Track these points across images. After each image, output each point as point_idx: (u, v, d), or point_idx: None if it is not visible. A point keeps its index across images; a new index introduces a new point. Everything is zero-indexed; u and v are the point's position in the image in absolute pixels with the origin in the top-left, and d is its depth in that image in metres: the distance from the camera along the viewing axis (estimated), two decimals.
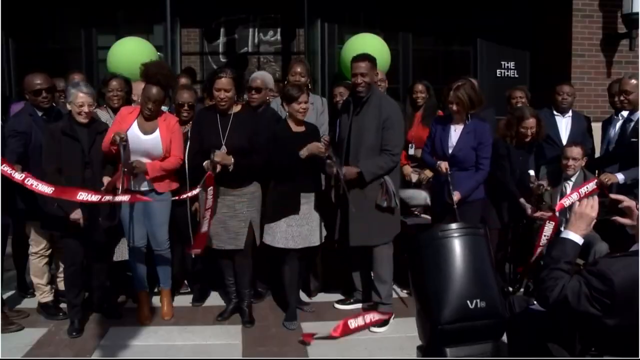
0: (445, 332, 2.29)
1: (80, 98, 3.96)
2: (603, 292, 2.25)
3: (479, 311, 2.31)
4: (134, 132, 4.11)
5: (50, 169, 3.94)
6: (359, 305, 4.58)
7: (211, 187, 4.00)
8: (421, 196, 4.87)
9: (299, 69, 4.77)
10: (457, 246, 2.39)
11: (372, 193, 4.17)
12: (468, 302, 2.32)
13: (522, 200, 4.50)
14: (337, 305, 4.61)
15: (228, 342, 4.02)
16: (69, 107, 4.02)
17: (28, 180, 3.79)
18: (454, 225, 2.54)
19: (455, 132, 4.31)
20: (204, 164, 3.99)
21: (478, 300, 2.32)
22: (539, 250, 4.40)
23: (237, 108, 4.20)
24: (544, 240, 4.36)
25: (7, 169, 3.78)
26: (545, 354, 2.59)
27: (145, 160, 4.12)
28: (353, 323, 3.69)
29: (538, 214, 4.41)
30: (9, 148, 4.14)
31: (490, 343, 2.37)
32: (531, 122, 4.51)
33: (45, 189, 3.78)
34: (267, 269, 4.74)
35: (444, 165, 4.18)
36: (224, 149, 4.06)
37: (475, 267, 2.38)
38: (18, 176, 3.79)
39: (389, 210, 4.21)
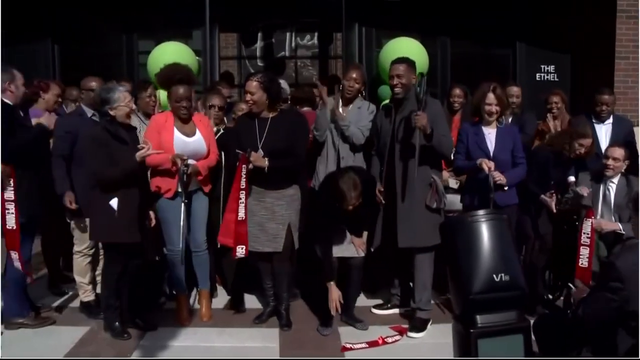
0: (475, 301, 2.64)
1: (128, 97, 3.92)
2: (611, 277, 2.67)
3: (504, 283, 2.65)
4: (179, 138, 4.21)
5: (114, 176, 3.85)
6: (397, 311, 4.56)
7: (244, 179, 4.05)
8: (458, 201, 4.82)
9: (354, 75, 4.57)
10: (484, 229, 2.74)
11: (421, 193, 4.13)
12: (494, 275, 2.65)
13: (542, 196, 4.44)
14: (375, 310, 4.59)
15: (265, 345, 4.05)
16: (112, 113, 3.90)
17: (10, 204, 3.88)
18: (480, 212, 2.89)
19: (490, 135, 4.35)
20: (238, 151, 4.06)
21: (502, 274, 2.65)
22: (581, 250, 4.25)
23: (273, 112, 4.24)
24: (584, 238, 4.25)
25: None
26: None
27: (192, 162, 4.20)
28: (389, 339, 4.08)
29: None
30: (57, 150, 4.34)
31: (514, 311, 2.69)
32: (588, 141, 4.49)
33: (11, 222, 3.88)
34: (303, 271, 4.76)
35: (486, 163, 4.14)
36: (260, 152, 4.10)
37: (500, 246, 2.72)
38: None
39: (437, 211, 4.18)
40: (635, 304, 2.60)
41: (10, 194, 3.88)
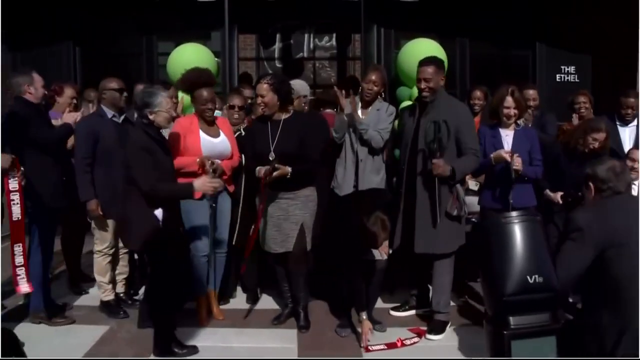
0: (509, 303, 2.66)
1: (170, 103, 3.78)
2: (572, 229, 2.71)
3: (537, 285, 2.66)
4: (207, 139, 4.28)
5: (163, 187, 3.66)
6: (415, 312, 4.54)
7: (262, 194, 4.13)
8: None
9: (373, 77, 4.51)
10: (518, 231, 2.77)
11: (441, 200, 4.06)
12: (528, 277, 2.66)
13: (547, 191, 4.45)
14: (393, 312, 4.57)
15: (283, 346, 4.05)
16: (152, 117, 3.69)
17: (14, 194, 3.85)
18: (514, 213, 2.93)
19: (507, 136, 4.35)
20: (256, 169, 4.09)
21: (536, 276, 2.67)
22: None
23: (286, 114, 4.25)
24: None
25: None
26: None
27: (217, 162, 4.24)
28: (408, 341, 4.03)
29: None
30: (80, 154, 4.38)
31: (547, 313, 2.70)
32: (602, 135, 4.43)
33: (16, 213, 3.85)
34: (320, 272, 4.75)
35: (504, 152, 4.14)
36: (272, 155, 4.12)
37: (533, 248, 2.75)
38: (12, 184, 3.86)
39: (457, 219, 4.12)
40: (602, 245, 2.60)
41: (14, 184, 3.87)
